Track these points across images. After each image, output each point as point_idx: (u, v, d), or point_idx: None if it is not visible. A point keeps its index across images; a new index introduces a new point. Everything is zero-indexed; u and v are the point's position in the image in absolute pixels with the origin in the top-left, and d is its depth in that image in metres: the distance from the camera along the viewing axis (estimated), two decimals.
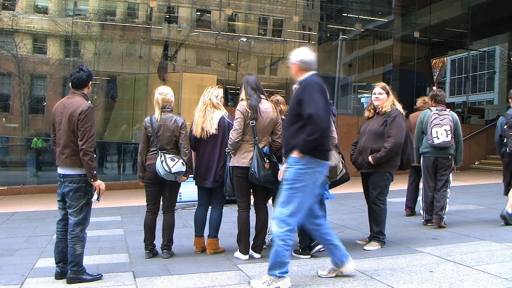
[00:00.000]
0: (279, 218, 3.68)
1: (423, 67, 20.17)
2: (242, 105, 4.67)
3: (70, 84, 4.23)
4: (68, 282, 4.05)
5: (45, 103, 15.51)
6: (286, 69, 18.27)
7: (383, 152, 4.92)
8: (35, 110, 15.48)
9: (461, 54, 27.23)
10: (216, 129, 4.85)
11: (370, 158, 4.97)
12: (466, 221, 6.33)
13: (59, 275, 4.17)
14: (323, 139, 3.70)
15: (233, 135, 4.62)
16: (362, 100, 23.87)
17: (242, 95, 4.75)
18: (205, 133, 4.84)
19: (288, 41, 17.98)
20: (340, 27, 19.32)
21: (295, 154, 3.70)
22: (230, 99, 15.76)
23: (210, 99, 4.96)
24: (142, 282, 4.04)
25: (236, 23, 17.94)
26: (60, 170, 4.14)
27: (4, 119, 14.88)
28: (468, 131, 15.78)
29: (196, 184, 5.08)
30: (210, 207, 5.17)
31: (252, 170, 4.51)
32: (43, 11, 15.70)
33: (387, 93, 5.15)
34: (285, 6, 18.03)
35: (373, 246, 4.98)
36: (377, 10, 19.66)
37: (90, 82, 4.31)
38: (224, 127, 4.89)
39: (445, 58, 27.33)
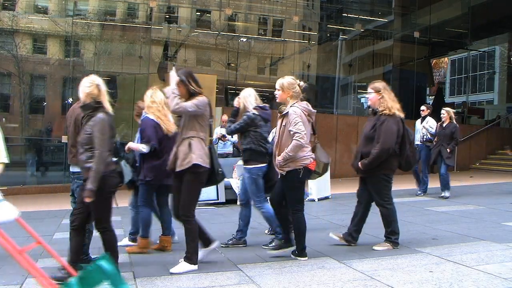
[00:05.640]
0: None
1: (423, 67, 20.16)
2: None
3: None
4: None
5: (45, 103, 15.53)
6: (286, 69, 18.30)
7: (370, 159, 4.88)
8: (35, 110, 15.50)
9: (461, 54, 27.19)
10: None
11: (359, 164, 4.97)
12: (466, 221, 6.33)
13: None
14: None
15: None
16: (362, 100, 23.88)
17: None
18: (174, 129, 4.99)
19: (288, 41, 17.98)
20: (340, 27, 19.31)
21: None
22: (230, 99, 15.75)
23: (162, 98, 5.04)
24: (142, 282, 4.04)
25: (236, 23, 17.93)
26: (70, 168, 4.56)
27: (4, 119, 14.89)
28: (468, 131, 15.79)
29: (157, 184, 5.12)
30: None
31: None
32: (43, 11, 15.70)
33: (378, 91, 5.01)
34: (285, 6, 18.02)
35: (383, 246, 4.92)
36: (377, 10, 19.65)
37: None
38: None
39: (446, 59, 27.35)
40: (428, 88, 24.02)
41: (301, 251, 4.65)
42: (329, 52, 19.92)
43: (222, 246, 5.29)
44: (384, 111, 4.92)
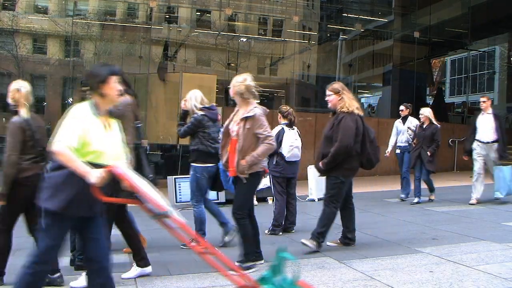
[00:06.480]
0: None
1: (423, 67, 20.16)
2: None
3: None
4: (75, 269, 4.37)
5: (45, 103, 15.53)
6: (286, 69, 18.33)
7: (329, 157, 4.83)
8: (35, 110, 15.48)
9: (461, 54, 27.19)
10: None
11: (320, 164, 4.93)
12: (466, 221, 6.33)
13: (73, 262, 4.51)
14: None
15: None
16: (362, 100, 23.90)
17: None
18: None
19: (288, 41, 17.99)
20: (340, 27, 19.32)
21: None
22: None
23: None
24: (142, 282, 4.04)
25: (236, 23, 17.95)
26: None
27: (4, 119, 14.89)
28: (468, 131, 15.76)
29: None
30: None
31: None
32: (43, 11, 15.73)
33: (337, 93, 4.98)
34: (285, 6, 18.03)
35: (311, 243, 4.81)
36: (377, 10, 19.66)
37: None
38: None
39: (443, 58, 27.37)
40: (428, 88, 24.03)
41: (246, 256, 4.40)
42: (329, 52, 19.93)
43: (221, 246, 5.29)
44: (342, 109, 4.91)
